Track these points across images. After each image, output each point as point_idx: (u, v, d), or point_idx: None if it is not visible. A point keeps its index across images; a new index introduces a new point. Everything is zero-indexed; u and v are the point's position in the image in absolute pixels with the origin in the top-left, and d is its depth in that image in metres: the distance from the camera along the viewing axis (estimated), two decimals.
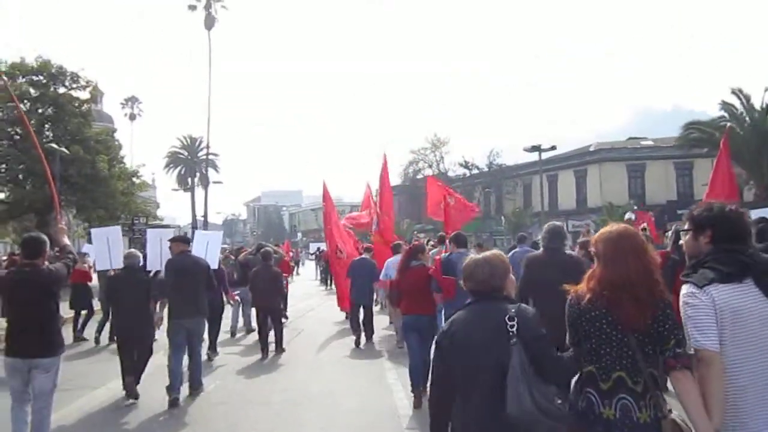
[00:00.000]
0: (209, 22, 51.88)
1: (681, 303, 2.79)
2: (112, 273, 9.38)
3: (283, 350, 10.87)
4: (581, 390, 2.88)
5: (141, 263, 8.52)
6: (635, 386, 2.73)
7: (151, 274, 8.75)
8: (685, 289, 2.79)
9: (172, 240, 8.38)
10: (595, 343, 2.84)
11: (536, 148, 31.34)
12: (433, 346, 3.28)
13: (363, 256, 13.05)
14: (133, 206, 28.25)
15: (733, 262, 2.77)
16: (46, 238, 5.46)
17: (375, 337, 11.91)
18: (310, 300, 19.95)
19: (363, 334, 11.63)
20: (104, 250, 10.31)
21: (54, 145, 22.07)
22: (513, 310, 2.92)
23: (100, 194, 24.41)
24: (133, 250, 9.16)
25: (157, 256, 9.13)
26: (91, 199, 24.90)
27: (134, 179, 29.00)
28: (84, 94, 26.43)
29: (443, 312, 7.61)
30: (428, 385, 3.75)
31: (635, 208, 28.66)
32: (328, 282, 28.99)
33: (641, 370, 2.73)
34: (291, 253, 26.43)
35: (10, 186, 26.27)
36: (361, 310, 11.93)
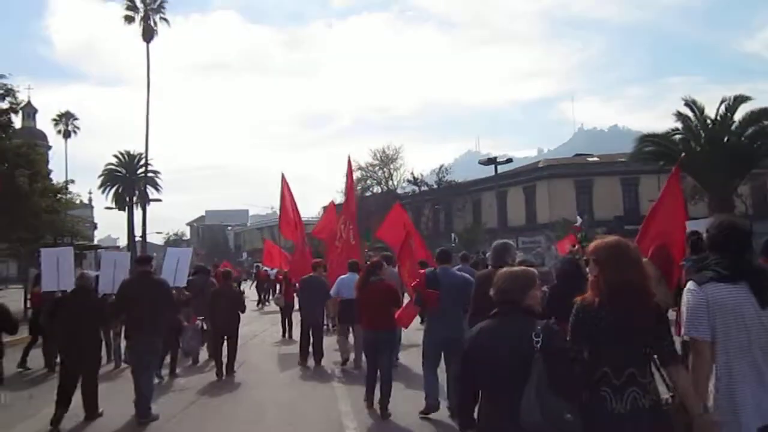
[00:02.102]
0: (148, 35, 49.80)
1: (683, 297, 3.35)
2: (59, 295, 9.13)
3: (233, 372, 10.55)
4: (595, 389, 3.05)
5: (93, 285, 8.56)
6: (643, 379, 3.03)
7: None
8: (687, 285, 3.35)
9: (136, 260, 8.77)
10: (608, 345, 3.06)
11: (492, 161, 30.35)
12: (462, 354, 3.38)
13: (312, 273, 12.27)
14: (59, 225, 26.05)
15: (731, 266, 3.26)
16: None
17: (324, 360, 11.45)
18: (252, 325, 18.16)
19: (312, 357, 11.33)
20: (53, 270, 10.16)
21: None
22: (539, 326, 3.06)
23: (20, 212, 22.15)
24: (86, 271, 9.10)
25: (110, 278, 9.21)
26: (10, 218, 22.69)
27: (60, 196, 26.83)
28: (3, 104, 24.28)
29: (427, 323, 7.73)
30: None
31: (585, 216, 28.18)
32: (264, 301, 27.46)
33: (647, 365, 3.08)
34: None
35: None
36: (311, 330, 11.57)
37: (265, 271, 27.34)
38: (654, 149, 28.81)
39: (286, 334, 15.53)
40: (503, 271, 3.38)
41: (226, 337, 10.48)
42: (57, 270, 10.10)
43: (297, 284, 13.86)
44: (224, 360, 10.41)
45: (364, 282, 8.25)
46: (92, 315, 7.70)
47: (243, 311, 10.95)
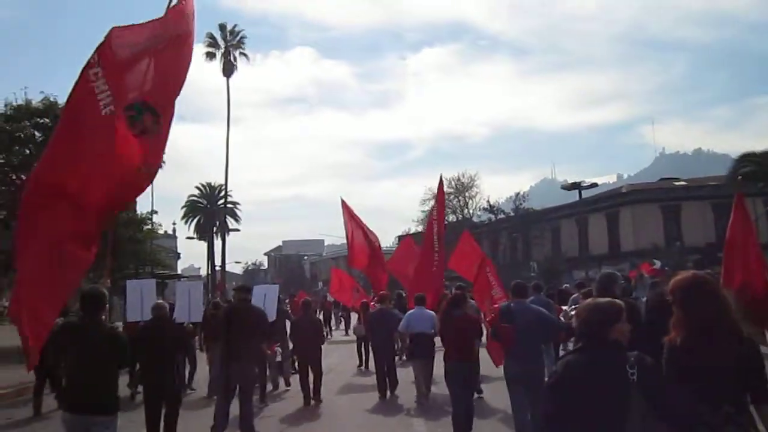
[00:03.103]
0: (228, 70, 51.51)
1: None
2: (141, 324, 9.33)
3: (320, 400, 10.86)
4: (692, 429, 2.95)
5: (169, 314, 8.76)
6: (740, 417, 3.01)
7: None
8: None
9: (235, 289, 9.09)
10: (700, 384, 3.03)
11: (575, 186, 28.48)
12: (545, 389, 3.32)
13: (381, 306, 12.38)
14: (142, 255, 26.78)
15: None
16: (105, 291, 5.56)
17: (398, 390, 11.57)
18: (331, 357, 17.56)
19: (387, 388, 11.37)
20: (137, 301, 10.59)
21: None
22: (632, 358, 2.96)
23: (103, 242, 22.79)
24: (161, 301, 9.35)
25: (185, 307, 9.58)
26: (96, 247, 23.43)
27: (144, 226, 27.62)
28: None
29: (505, 359, 7.56)
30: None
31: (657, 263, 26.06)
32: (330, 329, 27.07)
33: (743, 402, 3.06)
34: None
35: (10, 235, 25.03)
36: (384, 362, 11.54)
37: (330, 301, 27.27)
38: (753, 169, 26.83)
39: (363, 365, 15.34)
40: (589, 303, 3.30)
41: (310, 365, 10.80)
42: (141, 301, 10.51)
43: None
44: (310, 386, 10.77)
45: (447, 315, 8.23)
46: (170, 343, 7.77)
47: (323, 341, 11.16)
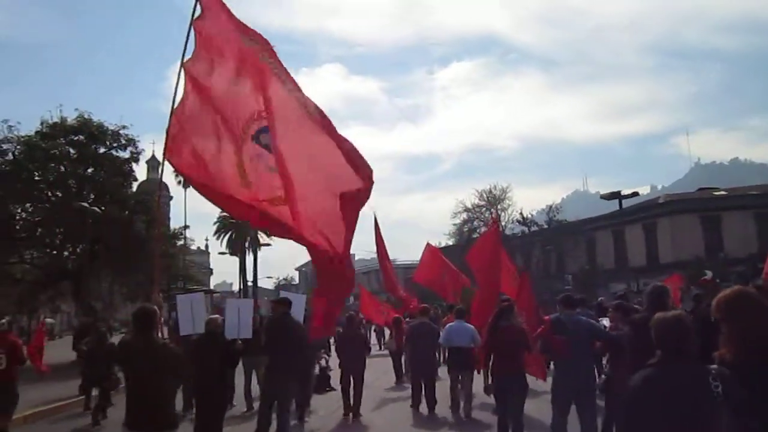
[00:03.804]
0: None
1: None
2: (195, 338, 9.48)
3: (359, 414, 10.83)
4: None
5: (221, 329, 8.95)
6: None
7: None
8: None
9: (274, 302, 9.18)
10: (751, 401, 2.89)
11: (615, 195, 27.30)
12: (624, 405, 3.29)
13: (422, 319, 11.97)
14: (174, 270, 26.85)
15: None
16: (156, 309, 5.68)
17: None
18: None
19: (426, 404, 11.06)
20: (188, 315, 10.51)
21: (85, 204, 20.91)
22: (713, 371, 2.95)
23: (137, 257, 22.90)
24: (215, 316, 9.58)
25: (235, 324, 9.52)
26: (128, 263, 23.53)
27: (176, 241, 27.75)
28: (125, 154, 25.53)
29: (555, 371, 7.56)
30: None
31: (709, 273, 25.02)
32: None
33: None
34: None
35: (46, 251, 25.35)
36: (422, 378, 11.27)
37: (361, 316, 27.07)
38: None
39: (399, 380, 15.25)
40: (661, 318, 3.28)
41: (353, 378, 10.83)
42: (191, 315, 10.48)
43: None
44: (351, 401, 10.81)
45: (494, 327, 8.09)
46: (220, 358, 7.97)
47: (367, 354, 11.30)
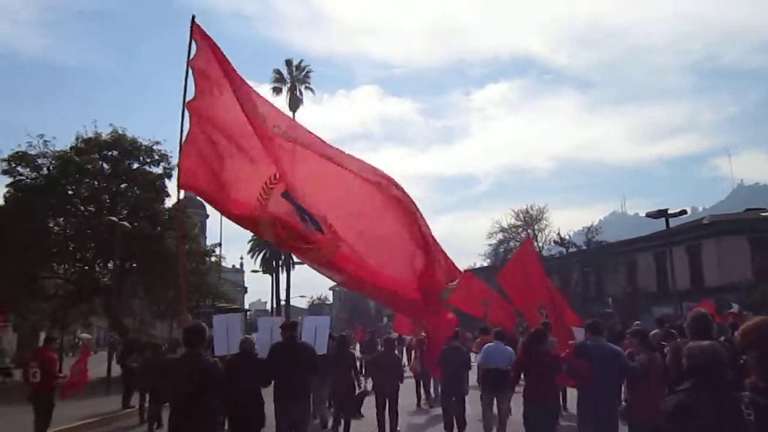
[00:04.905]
0: (294, 104, 52.05)
1: None
2: (229, 358, 9.56)
3: None
4: None
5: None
6: None
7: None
8: None
9: (281, 326, 9.01)
10: None
11: (662, 213, 25.67)
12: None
13: (453, 343, 11.64)
14: (204, 288, 26.51)
15: None
16: (205, 327, 6.00)
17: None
18: None
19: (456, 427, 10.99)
20: (223, 336, 10.71)
21: (114, 219, 20.73)
22: (746, 398, 2.99)
23: (166, 273, 22.57)
24: (249, 335, 9.78)
25: (267, 343, 9.58)
26: (158, 279, 23.26)
27: (207, 258, 27.44)
28: (158, 169, 25.43)
29: (578, 397, 7.59)
30: None
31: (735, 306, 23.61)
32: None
33: None
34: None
35: (78, 266, 25.30)
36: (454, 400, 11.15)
37: (393, 338, 26.39)
38: None
39: (421, 402, 15.29)
40: (704, 346, 3.34)
41: (388, 400, 10.80)
42: (227, 335, 10.63)
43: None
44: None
45: (528, 349, 8.08)
46: (254, 377, 8.09)
47: (402, 378, 11.33)
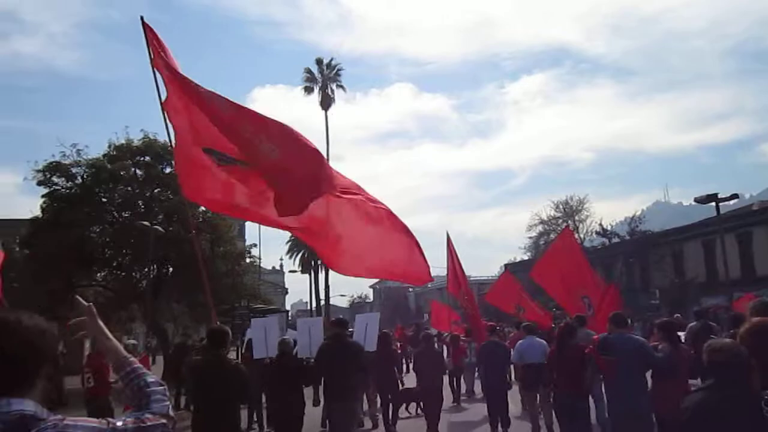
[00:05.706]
0: (326, 102, 51.94)
1: None
2: (267, 361, 9.68)
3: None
4: None
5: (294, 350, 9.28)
6: None
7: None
8: None
9: (330, 323, 9.22)
10: None
11: (712, 198, 24.40)
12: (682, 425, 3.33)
13: (493, 339, 11.79)
14: (240, 289, 26.42)
15: None
16: (228, 329, 6.21)
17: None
18: None
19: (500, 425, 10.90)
20: (261, 339, 10.78)
21: (146, 223, 20.74)
22: (766, 396, 2.94)
23: (201, 277, 22.46)
24: (286, 337, 9.81)
25: (307, 344, 9.65)
26: (193, 282, 23.23)
27: (242, 260, 27.36)
28: None
29: (605, 393, 7.77)
30: None
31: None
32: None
33: None
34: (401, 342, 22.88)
35: (115, 273, 25.48)
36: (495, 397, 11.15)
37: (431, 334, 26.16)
38: None
39: (456, 400, 15.21)
40: (725, 343, 3.36)
41: (432, 394, 10.97)
42: (265, 338, 10.66)
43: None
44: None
45: (561, 344, 8.16)
46: (294, 378, 8.21)
47: (445, 372, 11.43)
